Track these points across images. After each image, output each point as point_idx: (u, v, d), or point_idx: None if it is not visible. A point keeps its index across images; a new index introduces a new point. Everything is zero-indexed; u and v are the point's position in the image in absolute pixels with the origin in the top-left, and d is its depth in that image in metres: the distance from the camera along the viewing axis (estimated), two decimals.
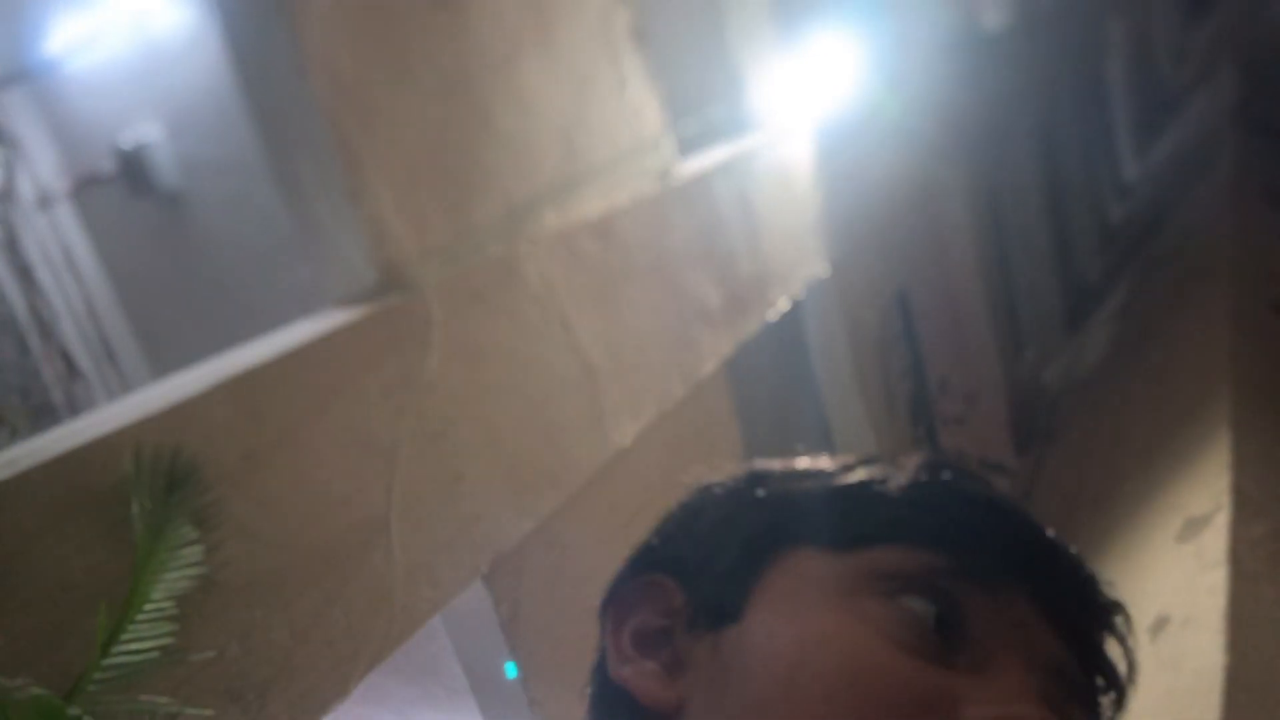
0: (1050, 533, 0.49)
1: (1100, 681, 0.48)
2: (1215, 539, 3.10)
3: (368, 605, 1.84)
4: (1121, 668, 0.50)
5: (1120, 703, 0.49)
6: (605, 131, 2.89)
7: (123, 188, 3.03)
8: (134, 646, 1.35)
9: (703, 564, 0.50)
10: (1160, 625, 2.74)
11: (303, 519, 1.76)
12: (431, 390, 2.11)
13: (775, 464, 0.55)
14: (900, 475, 0.50)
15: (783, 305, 3.90)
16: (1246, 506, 3.29)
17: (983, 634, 0.43)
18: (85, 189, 3.22)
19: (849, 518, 0.48)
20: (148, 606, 1.40)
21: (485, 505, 2.20)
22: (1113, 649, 0.50)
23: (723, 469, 0.56)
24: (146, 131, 2.96)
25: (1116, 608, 0.50)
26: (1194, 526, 3.26)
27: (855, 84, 4.35)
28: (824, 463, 0.53)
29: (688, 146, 3.41)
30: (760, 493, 0.52)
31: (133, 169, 3.01)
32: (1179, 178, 10.68)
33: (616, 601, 0.53)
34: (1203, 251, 7.23)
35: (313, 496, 1.79)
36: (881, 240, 5.11)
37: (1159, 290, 7.61)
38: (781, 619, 0.44)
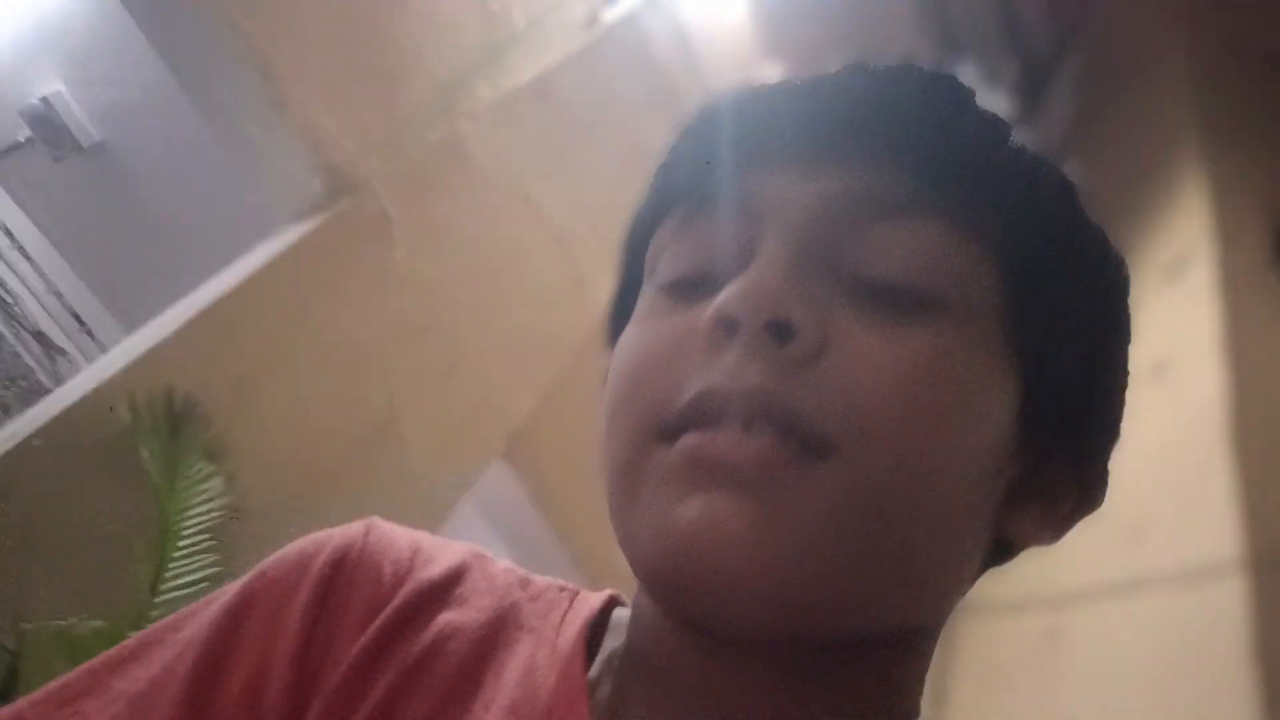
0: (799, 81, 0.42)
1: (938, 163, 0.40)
2: (1201, 275, 3.13)
3: (395, 502, 1.87)
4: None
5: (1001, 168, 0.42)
6: None
7: (43, 151, 2.91)
8: (181, 580, 1.38)
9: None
10: (1161, 368, 2.81)
11: (310, 433, 1.77)
12: (405, 286, 2.08)
13: None
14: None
15: None
16: (1228, 240, 3.31)
17: (745, 242, 0.40)
18: (4, 161, 3.09)
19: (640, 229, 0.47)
20: (182, 543, 1.42)
21: (487, 388, 2.21)
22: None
23: None
24: (48, 86, 2.82)
25: (916, 83, 0.41)
26: (1180, 267, 3.29)
27: None
28: None
29: None
30: None
31: (47, 128, 2.87)
32: None
33: None
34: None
35: (314, 410, 1.79)
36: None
37: (1115, 48, 7.45)
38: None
